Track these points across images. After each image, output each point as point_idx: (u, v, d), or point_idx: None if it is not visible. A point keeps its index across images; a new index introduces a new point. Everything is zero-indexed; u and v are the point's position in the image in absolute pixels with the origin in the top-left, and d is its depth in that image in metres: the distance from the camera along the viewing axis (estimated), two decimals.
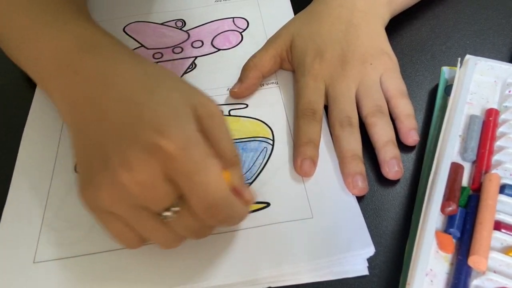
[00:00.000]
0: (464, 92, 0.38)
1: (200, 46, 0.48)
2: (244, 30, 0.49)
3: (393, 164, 0.37)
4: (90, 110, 0.30)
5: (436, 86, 0.43)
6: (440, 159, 0.35)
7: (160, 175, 0.26)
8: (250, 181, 0.37)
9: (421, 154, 0.39)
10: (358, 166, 0.36)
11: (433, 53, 0.46)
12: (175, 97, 0.29)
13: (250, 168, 0.38)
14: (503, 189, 0.33)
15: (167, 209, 0.28)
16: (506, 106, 0.39)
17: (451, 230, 0.32)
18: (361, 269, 0.33)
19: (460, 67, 0.40)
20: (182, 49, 0.48)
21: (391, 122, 0.39)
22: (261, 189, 0.37)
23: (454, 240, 0.32)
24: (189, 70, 0.46)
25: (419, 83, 0.44)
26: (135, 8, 0.52)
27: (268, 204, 0.36)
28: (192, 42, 0.48)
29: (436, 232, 0.32)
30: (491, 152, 0.36)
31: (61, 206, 0.37)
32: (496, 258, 0.30)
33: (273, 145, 0.39)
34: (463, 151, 0.36)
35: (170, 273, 0.32)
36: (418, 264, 0.30)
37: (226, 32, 0.49)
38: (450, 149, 0.35)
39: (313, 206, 0.35)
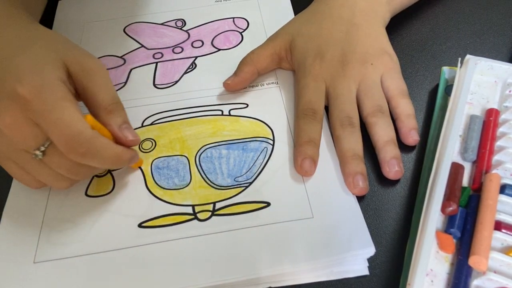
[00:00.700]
0: (464, 92, 0.38)
1: (200, 46, 0.48)
2: (244, 30, 0.49)
3: (394, 164, 0.37)
4: None
5: (437, 86, 0.43)
6: (441, 159, 0.35)
7: (23, 118, 0.30)
8: (250, 181, 0.37)
9: (422, 154, 0.39)
10: (359, 166, 0.36)
11: (433, 53, 0.46)
12: (42, 53, 0.32)
13: (250, 168, 0.38)
14: (503, 189, 0.33)
15: (38, 149, 0.31)
16: (506, 106, 0.39)
17: (452, 230, 0.32)
18: (361, 269, 0.33)
19: (460, 67, 0.40)
20: (182, 49, 0.48)
21: (391, 122, 0.39)
22: (261, 189, 0.37)
23: (454, 240, 0.32)
24: (189, 70, 0.46)
25: (419, 83, 0.44)
26: (135, 8, 0.52)
27: (268, 204, 0.36)
28: (192, 42, 0.48)
29: (437, 232, 0.32)
30: (491, 152, 0.36)
31: (61, 206, 0.37)
32: (496, 258, 0.30)
33: (273, 145, 0.39)
34: (464, 151, 0.36)
35: (170, 272, 0.32)
36: (419, 264, 0.30)
37: (226, 32, 0.49)
38: (451, 149, 0.35)
39: (314, 206, 0.35)
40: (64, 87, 0.32)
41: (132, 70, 0.46)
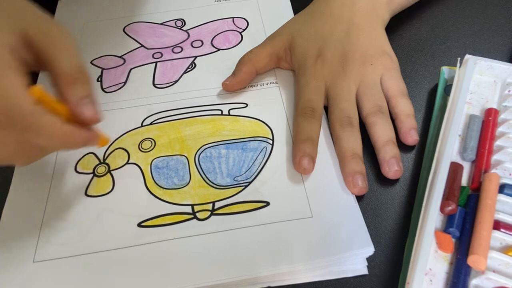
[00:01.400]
0: (463, 92, 0.38)
1: (200, 46, 0.48)
2: (244, 30, 0.49)
3: (393, 164, 0.37)
4: None
5: (436, 86, 0.43)
6: (440, 158, 0.35)
7: None
8: (249, 180, 0.37)
9: (421, 154, 0.39)
10: (358, 165, 0.36)
11: (433, 53, 0.46)
12: (6, 18, 0.30)
13: (249, 168, 0.38)
14: (502, 188, 0.33)
15: None
16: (505, 106, 0.39)
17: (451, 229, 0.32)
18: (360, 268, 0.33)
19: (460, 66, 0.40)
20: (182, 49, 0.48)
21: (391, 122, 0.39)
22: (260, 189, 0.37)
23: (453, 240, 0.32)
24: (189, 69, 0.46)
25: (419, 83, 0.44)
26: (134, 8, 0.52)
27: (267, 203, 0.36)
28: (192, 42, 0.48)
29: (436, 232, 0.32)
30: (490, 152, 0.36)
31: (61, 206, 0.37)
32: (495, 258, 0.30)
33: (272, 144, 0.39)
34: (463, 151, 0.36)
35: (169, 272, 0.32)
36: (418, 263, 0.30)
37: (226, 32, 0.49)
38: (450, 148, 0.35)
39: (313, 205, 0.35)
40: (8, 55, 0.29)
41: (132, 70, 0.46)
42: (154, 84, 0.45)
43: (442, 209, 0.33)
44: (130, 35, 0.50)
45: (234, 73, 0.43)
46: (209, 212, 0.36)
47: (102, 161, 0.39)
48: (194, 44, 0.48)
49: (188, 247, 0.34)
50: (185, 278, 0.32)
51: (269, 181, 0.37)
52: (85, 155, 0.40)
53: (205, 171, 0.38)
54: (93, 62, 0.47)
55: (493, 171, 0.35)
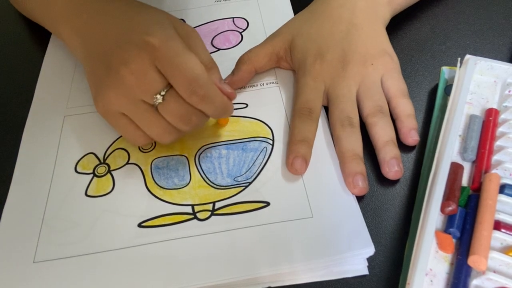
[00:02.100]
0: (464, 92, 0.38)
1: None
2: (244, 30, 0.49)
3: (393, 164, 0.37)
4: (95, 36, 0.37)
5: (436, 86, 0.43)
6: (440, 159, 0.35)
7: (149, 64, 0.33)
8: (250, 180, 0.37)
9: (421, 154, 0.39)
10: (359, 165, 0.36)
11: (433, 53, 0.46)
12: (159, 15, 0.37)
13: (250, 168, 0.38)
14: (503, 189, 0.33)
15: (159, 93, 0.33)
16: (506, 106, 0.39)
17: (451, 230, 0.32)
18: (361, 268, 0.33)
19: (460, 67, 0.40)
20: None
21: (391, 122, 0.39)
22: (261, 189, 0.37)
23: (454, 240, 0.32)
24: None
25: (419, 83, 0.44)
26: None
27: (268, 204, 0.36)
28: None
29: (436, 232, 0.32)
30: (491, 152, 0.36)
31: (61, 206, 0.37)
32: (496, 258, 0.30)
33: (273, 145, 0.39)
34: (463, 151, 0.36)
35: (170, 272, 0.32)
36: (418, 264, 0.30)
37: (226, 32, 0.49)
38: (450, 149, 0.35)
39: (313, 205, 0.35)
40: (182, 40, 0.35)
41: None
42: None
43: (442, 209, 0.33)
44: None
45: (233, 72, 0.43)
46: (210, 212, 0.35)
47: (102, 161, 0.39)
48: None
49: (189, 247, 0.34)
50: (186, 278, 0.32)
51: (269, 181, 0.37)
52: (85, 155, 0.40)
53: (206, 171, 0.38)
54: None
55: (493, 171, 0.35)
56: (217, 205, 0.36)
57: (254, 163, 0.38)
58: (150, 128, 0.35)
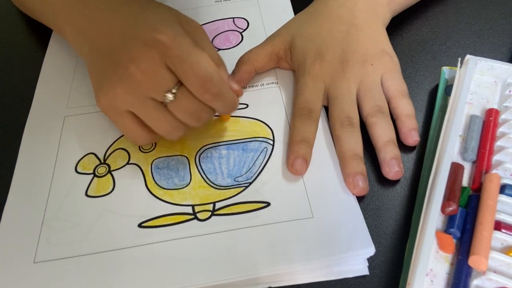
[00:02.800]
0: (464, 92, 0.38)
1: None
2: (244, 30, 0.49)
3: (393, 164, 0.37)
4: (99, 32, 0.36)
5: (436, 86, 0.43)
6: (440, 159, 0.35)
7: (159, 63, 0.32)
8: (250, 181, 0.37)
9: (422, 154, 0.39)
10: (359, 166, 0.36)
11: (433, 53, 0.46)
12: (164, 10, 0.36)
13: (250, 168, 0.38)
14: (503, 189, 0.33)
15: (170, 91, 0.33)
16: (506, 106, 0.39)
17: (452, 230, 0.32)
18: (361, 269, 0.33)
19: (460, 67, 0.40)
20: None
21: (391, 122, 0.39)
22: (261, 189, 0.37)
23: (454, 240, 0.32)
24: None
25: (419, 83, 0.44)
26: None
27: (268, 204, 0.36)
28: None
29: (437, 232, 0.32)
30: (491, 152, 0.36)
31: (61, 206, 0.37)
32: (496, 258, 0.30)
33: (273, 145, 0.39)
34: (463, 151, 0.36)
35: (170, 272, 0.32)
36: (419, 264, 0.30)
37: (226, 32, 0.49)
38: (450, 149, 0.35)
39: (314, 205, 0.35)
40: (190, 37, 0.34)
41: None
42: None
43: (443, 209, 0.33)
44: None
45: (233, 73, 0.43)
46: (210, 213, 0.35)
47: (102, 161, 0.39)
48: None
49: (189, 247, 0.34)
50: (186, 279, 0.32)
51: (269, 182, 0.37)
52: (85, 155, 0.40)
53: (206, 172, 0.38)
54: None
55: (494, 171, 0.35)
56: (218, 205, 0.36)
57: (254, 163, 0.38)
58: (159, 125, 0.35)
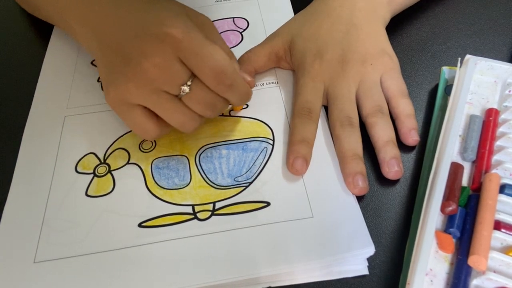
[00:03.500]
0: (464, 92, 0.38)
1: None
2: (244, 30, 0.49)
3: (393, 164, 0.37)
4: (108, 27, 0.36)
5: (436, 86, 0.43)
6: (440, 159, 0.35)
7: (172, 57, 0.33)
8: (250, 180, 0.37)
9: (421, 154, 0.39)
10: (359, 165, 0.36)
11: (433, 53, 0.46)
12: (172, 5, 0.36)
13: (250, 168, 0.38)
14: (503, 189, 0.33)
15: (185, 84, 0.34)
16: (506, 106, 0.39)
17: (451, 230, 0.32)
18: (361, 268, 0.33)
19: (460, 67, 0.40)
20: None
21: (391, 122, 0.39)
22: (261, 189, 0.37)
23: (454, 240, 0.32)
24: None
25: (419, 83, 0.44)
26: None
27: (268, 204, 0.36)
28: None
29: (436, 232, 0.32)
30: (491, 152, 0.36)
31: (61, 206, 0.37)
32: (496, 258, 0.30)
33: (273, 145, 0.39)
34: (463, 151, 0.36)
35: (170, 272, 0.32)
36: (418, 263, 0.30)
37: (226, 32, 0.49)
38: (450, 149, 0.35)
39: (313, 205, 0.35)
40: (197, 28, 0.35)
41: None
42: None
43: (442, 209, 0.33)
44: None
45: None
46: (210, 212, 0.36)
47: (102, 161, 0.39)
48: None
49: (189, 247, 0.34)
50: (186, 278, 0.32)
51: (269, 182, 0.37)
52: (85, 155, 0.40)
53: (206, 171, 0.38)
54: (94, 62, 0.47)
55: (493, 171, 0.35)
56: (218, 205, 0.36)
57: (254, 163, 0.38)
58: (175, 118, 0.35)
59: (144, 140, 0.40)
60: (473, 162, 0.36)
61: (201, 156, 0.39)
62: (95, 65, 0.47)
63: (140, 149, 0.40)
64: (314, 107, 0.39)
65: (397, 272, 0.33)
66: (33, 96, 0.44)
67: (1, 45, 0.51)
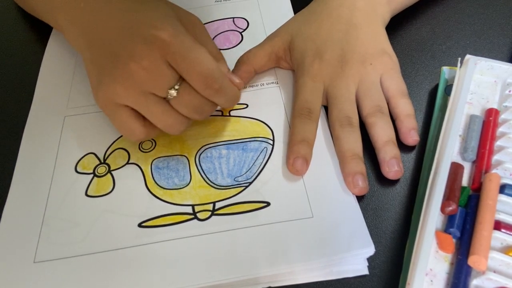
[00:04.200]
0: (464, 92, 0.38)
1: None
2: (244, 30, 0.49)
3: (393, 164, 0.37)
4: (97, 27, 0.36)
5: (436, 86, 0.43)
6: (440, 159, 0.35)
7: (161, 60, 0.33)
8: (250, 180, 0.37)
9: (421, 154, 0.39)
10: (359, 165, 0.36)
11: (433, 53, 0.46)
12: (162, 6, 0.36)
13: (250, 168, 0.38)
14: (503, 189, 0.33)
15: (173, 88, 0.34)
16: (506, 106, 0.39)
17: (451, 230, 0.32)
18: (361, 268, 0.33)
19: (460, 67, 0.40)
20: None
21: (391, 122, 0.39)
22: (261, 189, 0.37)
23: (454, 240, 0.32)
24: None
25: (419, 83, 0.44)
26: None
27: (268, 204, 0.36)
28: None
29: (436, 232, 0.32)
30: (491, 152, 0.36)
31: (61, 206, 0.37)
32: (496, 258, 0.30)
33: (273, 145, 0.39)
34: (463, 151, 0.36)
35: (170, 272, 0.32)
36: (418, 263, 0.30)
37: (226, 32, 0.49)
38: (450, 149, 0.35)
39: (313, 205, 0.35)
40: (189, 33, 0.35)
41: None
42: None
43: (442, 209, 0.33)
44: None
45: (233, 73, 0.43)
46: (210, 212, 0.36)
47: (102, 161, 0.39)
48: None
49: (189, 247, 0.34)
50: (186, 278, 0.32)
51: (269, 182, 0.37)
52: (85, 155, 0.40)
53: (206, 171, 0.38)
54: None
55: (493, 171, 0.35)
56: (217, 205, 0.36)
57: (254, 163, 0.38)
58: (161, 120, 0.35)
59: (144, 140, 0.40)
60: (473, 162, 0.36)
61: (201, 156, 0.39)
62: None
63: (140, 149, 0.40)
64: (314, 107, 0.39)
65: (397, 272, 0.33)
66: (33, 96, 0.44)
67: (1, 45, 0.51)
